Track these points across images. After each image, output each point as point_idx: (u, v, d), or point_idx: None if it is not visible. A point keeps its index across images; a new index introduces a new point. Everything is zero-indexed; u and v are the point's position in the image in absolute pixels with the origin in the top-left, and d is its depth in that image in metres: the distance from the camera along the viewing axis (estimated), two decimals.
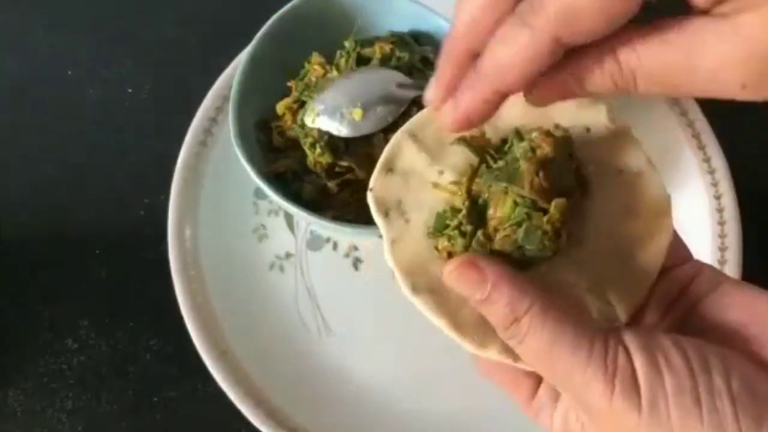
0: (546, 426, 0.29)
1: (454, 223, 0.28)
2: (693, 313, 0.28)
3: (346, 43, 0.47)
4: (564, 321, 0.25)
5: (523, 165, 0.27)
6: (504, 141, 0.30)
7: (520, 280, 0.26)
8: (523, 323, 0.26)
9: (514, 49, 0.24)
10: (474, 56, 0.26)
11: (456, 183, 0.29)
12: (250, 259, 0.50)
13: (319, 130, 0.45)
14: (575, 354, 0.25)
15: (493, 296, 0.26)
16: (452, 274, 0.27)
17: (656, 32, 0.24)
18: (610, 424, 0.25)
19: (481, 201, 0.28)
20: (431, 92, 0.27)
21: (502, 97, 0.26)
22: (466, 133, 0.29)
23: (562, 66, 0.25)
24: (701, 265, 0.30)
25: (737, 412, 0.23)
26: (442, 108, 0.27)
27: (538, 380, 0.30)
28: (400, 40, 0.48)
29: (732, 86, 0.23)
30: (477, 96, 0.26)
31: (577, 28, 0.23)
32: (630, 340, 0.25)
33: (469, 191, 0.29)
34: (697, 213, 0.49)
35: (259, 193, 0.51)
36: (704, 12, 0.23)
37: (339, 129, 0.44)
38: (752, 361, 0.25)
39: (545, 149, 0.27)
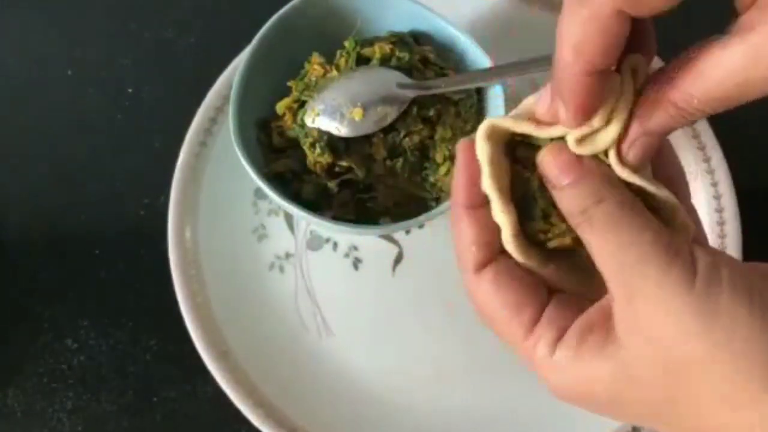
0: (542, 359, 0.28)
1: None
2: None
3: (346, 43, 0.47)
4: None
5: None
6: None
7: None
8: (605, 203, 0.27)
9: (583, 29, 0.24)
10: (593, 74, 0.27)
11: None
12: (250, 259, 0.50)
13: (319, 130, 0.45)
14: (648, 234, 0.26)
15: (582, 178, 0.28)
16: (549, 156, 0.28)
17: (697, 64, 0.25)
18: (659, 307, 0.25)
19: None
20: (544, 107, 0.28)
21: (593, 76, 0.26)
22: None
23: (635, 125, 0.27)
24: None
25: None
26: (538, 106, 0.28)
27: (542, 305, 0.29)
28: (400, 40, 0.48)
29: None
30: (569, 83, 0.26)
31: (638, 2, 0.24)
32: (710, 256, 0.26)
33: None
34: (697, 213, 0.49)
35: (259, 193, 0.51)
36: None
37: (339, 129, 0.44)
38: None
39: None
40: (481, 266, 0.29)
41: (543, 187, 0.29)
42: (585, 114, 0.27)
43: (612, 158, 0.28)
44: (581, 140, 0.28)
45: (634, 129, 0.27)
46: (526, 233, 0.29)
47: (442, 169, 0.46)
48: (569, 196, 0.28)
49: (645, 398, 0.26)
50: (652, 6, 0.24)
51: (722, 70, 0.24)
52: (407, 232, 0.50)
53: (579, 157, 0.28)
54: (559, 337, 0.27)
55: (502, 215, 0.28)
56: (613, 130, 0.27)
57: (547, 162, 0.28)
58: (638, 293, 0.25)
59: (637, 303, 0.25)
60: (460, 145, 0.29)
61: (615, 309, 0.26)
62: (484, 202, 0.29)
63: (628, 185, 0.28)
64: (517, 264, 0.29)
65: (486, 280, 0.28)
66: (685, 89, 0.25)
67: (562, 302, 0.28)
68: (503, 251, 0.29)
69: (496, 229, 0.28)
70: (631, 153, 0.28)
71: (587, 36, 0.25)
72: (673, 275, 0.25)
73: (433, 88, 0.45)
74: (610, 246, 0.26)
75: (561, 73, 0.26)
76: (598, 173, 0.27)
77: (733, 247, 0.48)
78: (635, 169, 0.28)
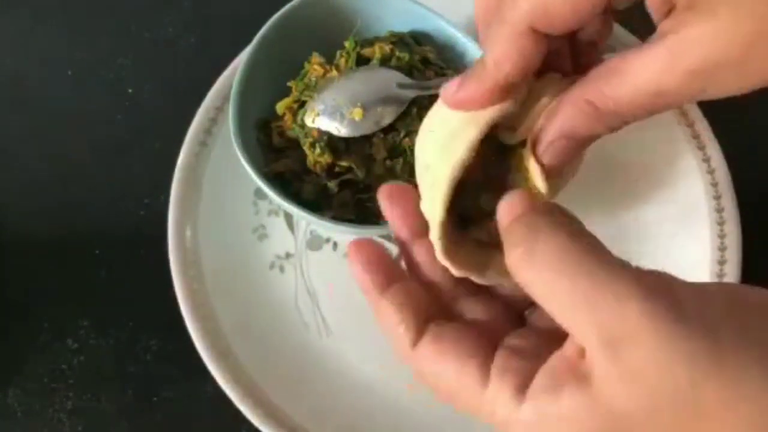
0: (504, 403, 0.24)
1: None
2: None
3: (346, 43, 0.47)
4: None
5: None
6: None
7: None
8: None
9: (501, 44, 0.27)
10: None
11: None
12: (250, 259, 0.50)
13: (319, 130, 0.45)
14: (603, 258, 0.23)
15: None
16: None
17: (614, 67, 0.26)
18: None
19: None
20: (451, 90, 0.29)
21: (505, 88, 0.27)
22: None
23: (553, 125, 0.28)
24: None
25: None
26: (446, 91, 0.29)
27: (486, 352, 0.25)
28: (400, 40, 0.48)
29: (697, 94, 0.25)
30: (481, 87, 0.27)
31: (549, 20, 0.26)
32: None
33: None
34: (697, 213, 0.49)
35: (259, 193, 0.51)
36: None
37: (339, 129, 0.44)
38: None
39: None
40: (415, 342, 0.27)
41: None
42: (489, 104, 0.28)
43: (532, 168, 0.28)
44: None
45: (551, 131, 0.28)
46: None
47: None
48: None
49: None
50: (562, 25, 0.26)
51: (638, 75, 0.25)
52: None
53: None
54: (521, 384, 0.24)
55: (432, 210, 0.28)
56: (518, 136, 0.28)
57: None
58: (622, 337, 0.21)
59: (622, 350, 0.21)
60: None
61: (590, 357, 0.22)
62: (393, 277, 0.28)
63: None
64: (448, 324, 0.27)
65: (425, 352, 0.26)
66: (600, 89, 0.26)
67: (512, 349, 0.25)
68: (431, 319, 0.27)
69: (418, 297, 0.28)
70: (547, 156, 0.28)
71: (505, 52, 0.27)
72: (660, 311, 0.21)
73: (433, 88, 0.45)
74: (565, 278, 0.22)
75: (481, 74, 0.27)
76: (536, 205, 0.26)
77: (732, 247, 0.48)
78: (555, 174, 0.28)
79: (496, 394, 0.24)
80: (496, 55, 0.27)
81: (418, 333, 0.27)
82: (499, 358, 0.25)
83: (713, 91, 0.25)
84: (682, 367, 0.21)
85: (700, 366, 0.21)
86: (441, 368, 0.26)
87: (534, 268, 0.23)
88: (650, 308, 0.21)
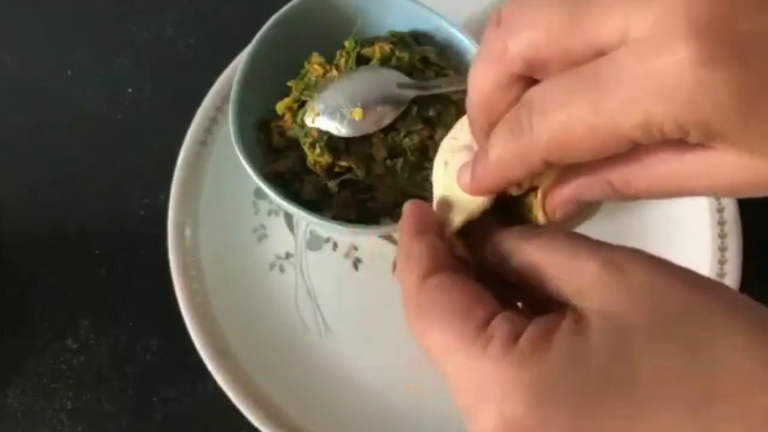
0: (496, 356, 0.22)
1: None
2: None
3: (346, 43, 0.47)
4: None
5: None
6: None
7: None
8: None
9: (507, 156, 0.25)
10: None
11: None
12: (250, 259, 0.50)
13: (319, 130, 0.45)
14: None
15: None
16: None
17: (645, 162, 0.25)
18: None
19: None
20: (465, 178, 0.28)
21: (508, 184, 0.27)
22: None
23: (566, 179, 0.27)
24: None
25: None
26: (463, 174, 0.28)
27: (494, 308, 0.24)
28: (400, 40, 0.48)
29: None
30: (489, 179, 0.27)
31: (564, 158, 0.24)
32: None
33: None
34: (697, 214, 0.49)
35: (259, 193, 0.51)
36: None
37: (339, 129, 0.44)
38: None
39: None
40: (427, 275, 0.26)
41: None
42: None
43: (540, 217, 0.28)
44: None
45: (564, 195, 0.27)
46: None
47: None
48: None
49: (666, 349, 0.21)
50: (577, 160, 0.23)
51: (669, 177, 0.24)
52: None
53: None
54: (518, 335, 0.23)
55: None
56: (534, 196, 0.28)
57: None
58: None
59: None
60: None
61: (589, 286, 0.23)
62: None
63: None
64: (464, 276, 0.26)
65: (431, 284, 0.25)
66: (625, 176, 0.25)
67: (517, 312, 0.25)
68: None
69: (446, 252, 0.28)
70: (557, 213, 0.28)
71: (513, 170, 0.25)
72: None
73: (433, 88, 0.45)
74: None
75: (484, 172, 0.27)
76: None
77: (733, 247, 0.48)
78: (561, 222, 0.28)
79: (486, 342, 0.23)
80: (500, 158, 0.25)
81: (432, 269, 0.26)
82: (503, 315, 0.24)
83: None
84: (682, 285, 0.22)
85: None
86: (442, 305, 0.25)
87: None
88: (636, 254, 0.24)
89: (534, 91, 0.24)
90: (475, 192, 0.28)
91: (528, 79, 0.24)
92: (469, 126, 0.28)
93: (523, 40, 0.23)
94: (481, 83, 0.26)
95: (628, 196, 0.26)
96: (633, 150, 0.23)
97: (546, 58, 0.23)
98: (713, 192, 0.25)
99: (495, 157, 0.26)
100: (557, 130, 0.23)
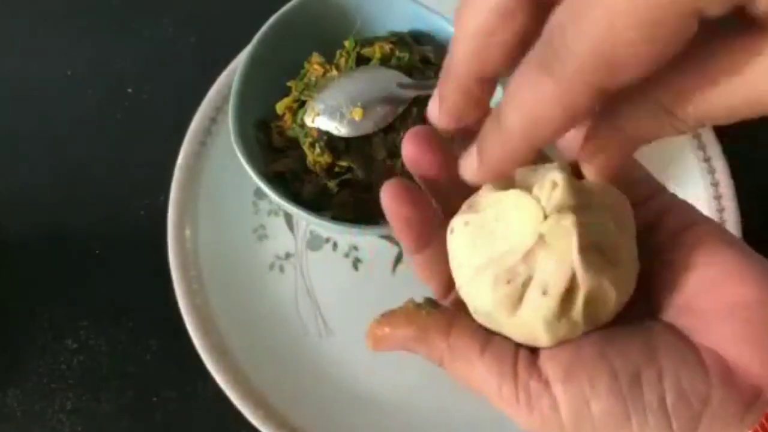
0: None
1: None
2: (660, 253, 0.26)
3: (346, 43, 0.47)
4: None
5: None
6: None
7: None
8: None
9: (542, 103, 0.19)
10: (484, 82, 0.23)
11: None
12: (250, 259, 0.50)
13: (319, 130, 0.45)
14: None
15: None
16: None
17: (708, 76, 0.19)
18: None
19: None
20: (434, 112, 0.25)
21: (537, 151, 0.22)
22: None
23: (605, 120, 0.21)
24: (672, 200, 0.27)
25: (672, 426, 0.22)
26: (465, 162, 0.25)
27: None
28: (400, 40, 0.48)
29: None
30: (507, 154, 0.22)
31: (616, 74, 0.18)
32: (549, 366, 0.24)
33: None
34: None
35: (259, 193, 0.51)
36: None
37: (339, 129, 0.44)
38: (688, 346, 0.24)
39: None
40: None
41: None
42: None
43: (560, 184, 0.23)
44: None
45: (610, 137, 0.22)
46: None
47: None
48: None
49: None
50: (628, 76, 0.18)
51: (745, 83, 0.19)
52: None
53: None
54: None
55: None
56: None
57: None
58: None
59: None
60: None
61: None
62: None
63: None
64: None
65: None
66: (677, 87, 0.20)
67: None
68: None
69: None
70: (607, 161, 0.23)
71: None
72: None
73: (433, 88, 0.45)
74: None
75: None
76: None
77: None
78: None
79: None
80: (529, 113, 0.20)
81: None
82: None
83: None
84: None
85: None
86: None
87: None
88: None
89: (559, 9, 0.18)
90: (484, 177, 0.24)
91: (535, 13, 0.19)
92: (445, 89, 0.24)
93: None
94: (477, 13, 0.20)
95: (683, 120, 0.21)
96: (682, 61, 0.19)
97: None
98: None
99: (523, 112, 0.20)
100: (604, 35, 0.17)
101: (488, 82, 0.23)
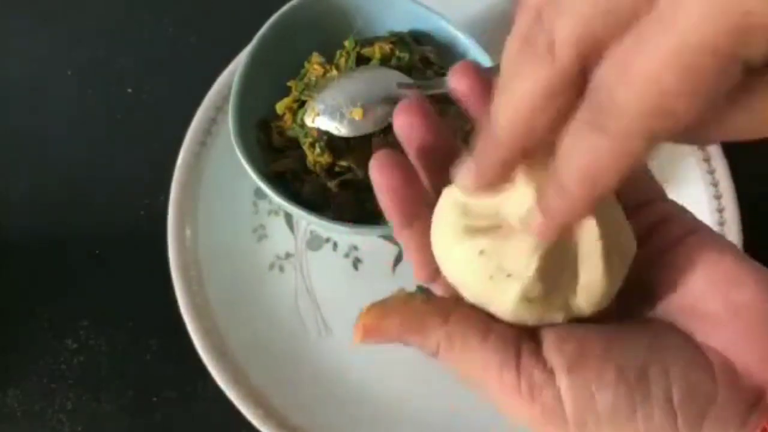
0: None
1: None
2: (662, 256, 0.26)
3: (346, 43, 0.47)
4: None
5: None
6: None
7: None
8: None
9: (600, 160, 0.19)
10: (526, 152, 0.23)
11: None
12: (249, 259, 0.50)
13: (319, 130, 0.45)
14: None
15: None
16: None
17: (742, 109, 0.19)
18: None
19: None
20: (465, 179, 0.25)
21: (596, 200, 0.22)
22: None
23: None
24: (673, 207, 0.28)
25: (677, 422, 0.22)
26: (530, 217, 0.24)
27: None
28: (400, 40, 0.48)
29: None
30: (569, 214, 0.23)
31: (667, 123, 0.18)
32: (554, 356, 0.23)
33: None
34: (697, 213, 0.48)
35: (259, 193, 0.51)
36: None
37: (339, 128, 0.44)
38: (692, 345, 0.24)
39: None
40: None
41: None
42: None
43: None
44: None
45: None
46: None
47: None
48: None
49: None
50: (683, 122, 0.18)
51: None
52: None
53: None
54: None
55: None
56: None
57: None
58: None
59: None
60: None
61: None
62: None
63: None
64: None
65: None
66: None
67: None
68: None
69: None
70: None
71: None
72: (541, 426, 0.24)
73: (433, 88, 0.45)
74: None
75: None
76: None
77: None
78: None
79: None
80: (590, 171, 0.20)
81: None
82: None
83: None
84: None
85: None
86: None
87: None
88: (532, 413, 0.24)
89: (601, 68, 0.19)
90: (548, 235, 0.23)
91: (578, 81, 0.19)
92: (484, 162, 0.23)
93: (573, 21, 0.18)
94: (523, 94, 0.20)
95: (699, 138, 0.21)
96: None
97: (601, 36, 0.18)
98: None
99: (582, 171, 0.20)
100: (652, 89, 0.17)
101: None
